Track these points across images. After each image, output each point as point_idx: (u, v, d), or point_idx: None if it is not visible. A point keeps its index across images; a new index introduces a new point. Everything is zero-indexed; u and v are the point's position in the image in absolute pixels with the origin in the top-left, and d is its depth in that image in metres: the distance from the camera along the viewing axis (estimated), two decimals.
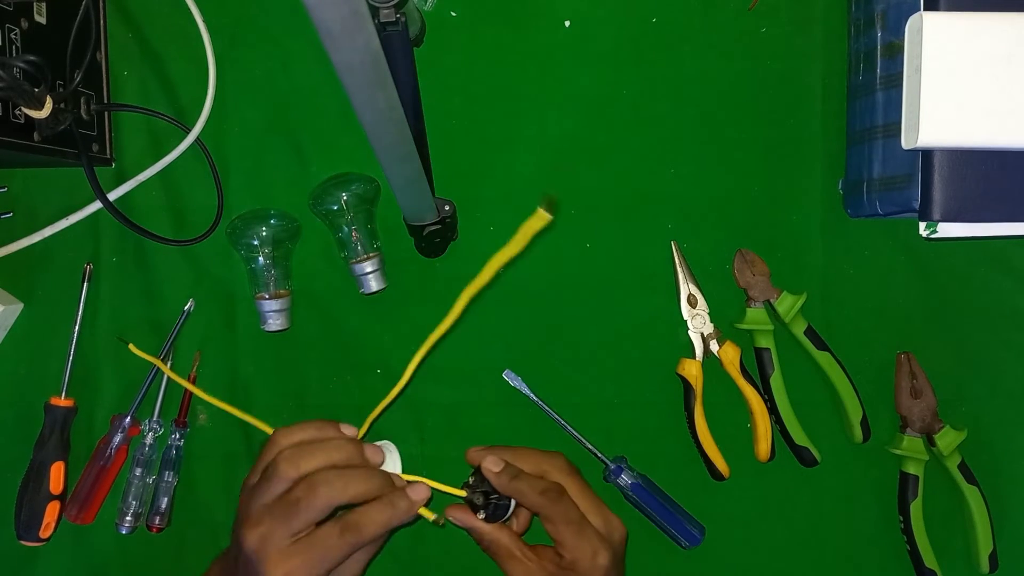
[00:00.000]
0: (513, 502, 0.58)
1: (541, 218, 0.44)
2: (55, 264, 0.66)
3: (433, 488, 0.56)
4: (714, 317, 0.66)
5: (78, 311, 0.65)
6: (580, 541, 0.56)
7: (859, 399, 0.66)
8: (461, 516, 0.58)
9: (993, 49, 0.54)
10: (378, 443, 0.57)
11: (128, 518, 0.65)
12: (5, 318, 0.64)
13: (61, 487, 0.64)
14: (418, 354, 0.55)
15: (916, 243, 0.66)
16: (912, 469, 0.66)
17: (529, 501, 0.57)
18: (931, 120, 0.54)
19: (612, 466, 0.65)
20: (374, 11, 0.48)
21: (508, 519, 0.59)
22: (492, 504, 0.58)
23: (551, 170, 0.67)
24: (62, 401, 0.64)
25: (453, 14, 0.66)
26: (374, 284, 0.64)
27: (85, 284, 0.65)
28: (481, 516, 0.58)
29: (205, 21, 0.65)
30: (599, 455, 0.66)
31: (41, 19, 0.57)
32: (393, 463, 0.57)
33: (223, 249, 0.66)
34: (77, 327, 0.65)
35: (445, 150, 0.64)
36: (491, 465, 0.58)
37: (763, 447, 0.66)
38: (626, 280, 0.67)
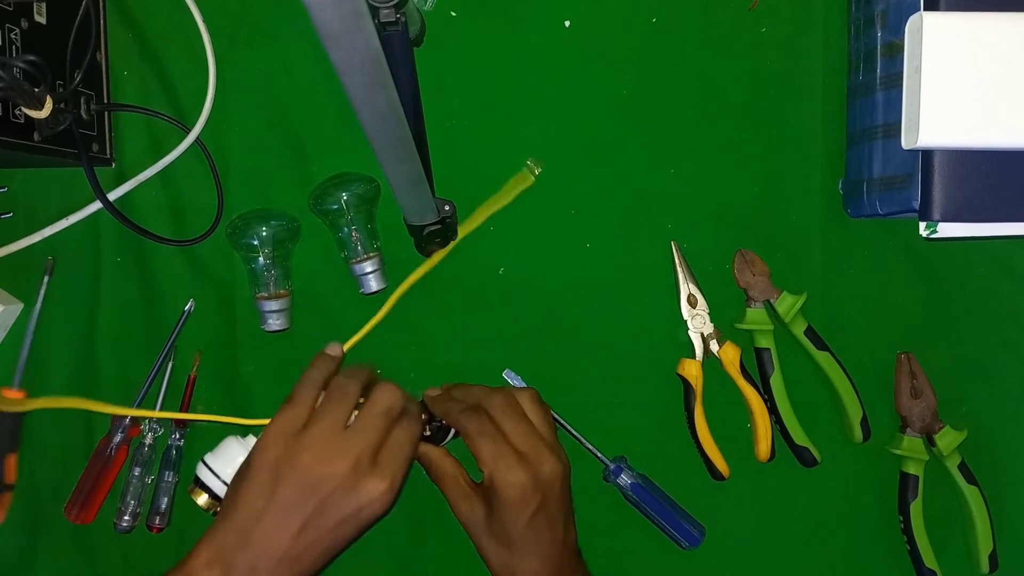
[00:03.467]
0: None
1: (525, 179, 0.58)
2: (55, 264, 0.66)
3: None
4: (714, 317, 0.66)
5: (37, 303, 0.65)
6: (495, 455, 0.56)
7: (859, 399, 0.66)
8: None
9: (993, 49, 0.54)
10: None
11: (127, 518, 0.64)
12: (5, 318, 0.64)
13: (13, 478, 0.65)
14: (403, 284, 0.63)
15: (916, 243, 0.66)
16: (912, 469, 0.66)
17: (452, 419, 0.59)
18: (931, 120, 0.54)
19: (612, 466, 0.65)
20: (374, 11, 0.48)
21: (447, 441, 0.62)
22: (434, 427, 0.61)
23: (551, 170, 0.67)
24: (13, 392, 0.64)
25: (453, 14, 0.66)
26: (374, 284, 0.65)
27: (46, 277, 0.65)
28: (426, 434, 0.61)
29: (205, 21, 0.65)
30: (599, 455, 0.66)
31: (41, 19, 0.57)
32: None
33: (223, 249, 0.66)
34: (35, 319, 0.65)
35: (445, 150, 0.64)
36: (431, 390, 0.63)
37: (763, 447, 0.66)
38: (626, 280, 0.67)
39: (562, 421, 0.66)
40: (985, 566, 0.66)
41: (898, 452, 0.66)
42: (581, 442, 0.66)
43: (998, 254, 0.67)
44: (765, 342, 0.66)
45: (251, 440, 0.59)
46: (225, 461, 0.60)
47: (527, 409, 0.60)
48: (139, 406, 0.65)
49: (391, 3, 0.48)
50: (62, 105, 0.56)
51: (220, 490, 0.59)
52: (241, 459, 0.57)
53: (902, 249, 0.67)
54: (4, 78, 0.49)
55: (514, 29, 0.66)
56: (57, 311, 0.66)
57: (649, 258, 0.67)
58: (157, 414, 0.65)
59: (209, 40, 0.65)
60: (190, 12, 0.65)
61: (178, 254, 0.66)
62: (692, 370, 0.66)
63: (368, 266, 0.64)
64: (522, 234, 0.67)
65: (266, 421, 0.56)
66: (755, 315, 0.66)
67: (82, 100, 0.62)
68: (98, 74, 0.64)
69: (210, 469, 0.60)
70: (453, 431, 0.62)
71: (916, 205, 0.57)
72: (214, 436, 0.67)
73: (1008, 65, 0.54)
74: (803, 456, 0.67)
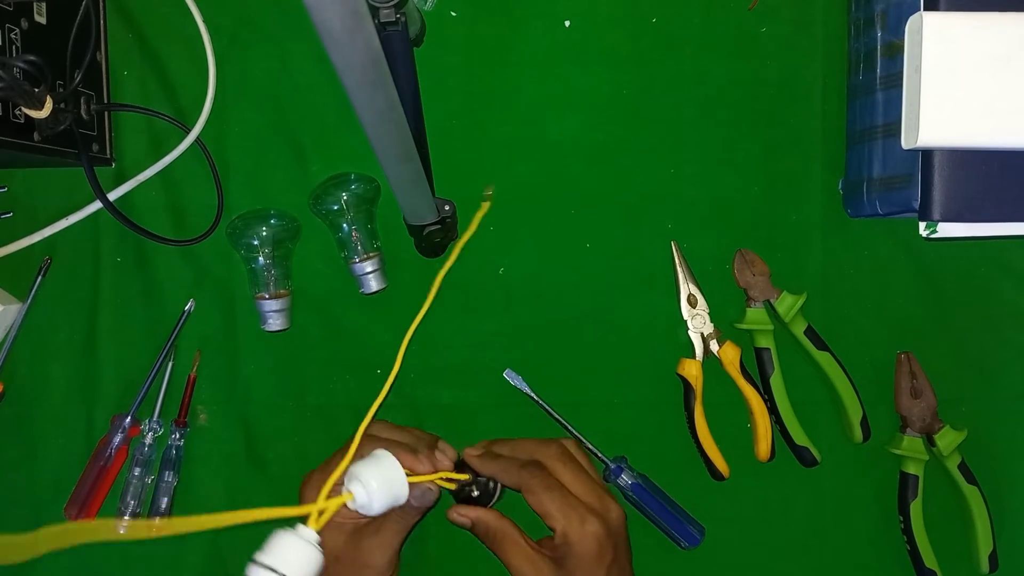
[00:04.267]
0: (500, 486, 0.59)
1: (484, 208, 0.64)
2: (55, 264, 0.66)
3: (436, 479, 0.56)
4: (714, 317, 0.66)
5: (27, 300, 0.65)
6: (565, 508, 0.55)
7: (859, 399, 0.66)
8: (456, 513, 0.58)
9: (993, 49, 0.54)
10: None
11: (127, 518, 0.64)
12: (5, 318, 0.64)
13: None
14: (404, 340, 0.58)
15: (916, 243, 0.66)
16: (912, 469, 0.66)
17: (509, 478, 0.57)
18: (931, 120, 0.54)
19: (612, 466, 0.65)
20: (374, 11, 0.48)
21: (495, 502, 0.60)
22: (481, 484, 0.59)
23: (551, 170, 0.67)
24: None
25: (453, 14, 0.66)
26: (374, 284, 0.65)
27: (39, 278, 0.65)
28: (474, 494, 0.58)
29: (205, 21, 0.65)
30: (599, 455, 0.66)
31: (41, 19, 0.57)
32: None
33: (223, 249, 0.66)
34: (23, 314, 0.65)
35: (445, 150, 0.64)
36: (471, 450, 0.60)
37: (763, 447, 0.66)
38: (626, 280, 0.67)
39: (562, 421, 0.66)
40: (985, 566, 0.66)
41: (898, 452, 0.66)
42: (581, 442, 0.66)
43: (998, 254, 0.67)
44: (765, 342, 0.66)
45: (303, 530, 0.49)
46: (281, 556, 0.49)
47: (579, 458, 0.59)
48: (139, 406, 0.65)
49: (391, 3, 0.48)
50: (62, 105, 0.56)
51: None
52: (301, 551, 0.48)
53: (902, 249, 0.67)
54: (4, 78, 0.49)
55: (514, 29, 0.66)
56: (57, 311, 0.66)
57: (649, 258, 0.67)
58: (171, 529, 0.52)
59: (209, 40, 0.65)
60: (190, 12, 0.65)
61: (178, 254, 0.66)
62: (692, 370, 0.66)
63: (368, 266, 0.64)
64: (522, 234, 0.67)
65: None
66: (755, 315, 0.66)
67: (82, 100, 0.62)
68: (98, 74, 0.64)
69: (269, 567, 0.48)
70: (500, 490, 0.60)
71: (916, 205, 0.57)
72: (214, 436, 0.67)
73: (1008, 65, 0.54)
74: (803, 456, 0.67)
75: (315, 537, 0.48)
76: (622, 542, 0.57)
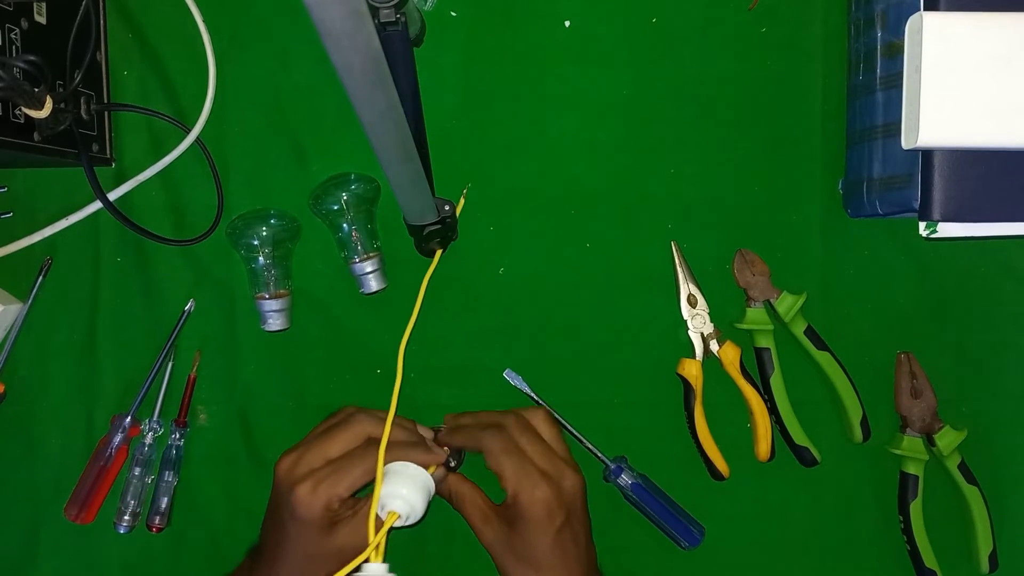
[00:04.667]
0: (462, 452, 0.63)
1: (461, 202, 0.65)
2: (55, 264, 0.66)
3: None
4: (714, 317, 0.66)
5: (28, 301, 0.65)
6: (519, 472, 0.56)
7: (859, 399, 0.66)
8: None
9: (993, 49, 0.54)
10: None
11: (126, 518, 0.64)
12: (5, 318, 0.64)
13: None
14: (401, 347, 0.61)
15: (916, 243, 0.66)
16: (912, 469, 0.66)
17: (470, 439, 0.60)
18: (931, 120, 0.54)
19: (612, 466, 0.65)
20: (374, 11, 0.48)
21: (457, 466, 0.63)
22: (453, 458, 0.61)
23: (551, 170, 0.67)
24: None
25: (453, 14, 0.66)
26: (374, 284, 0.65)
27: (40, 277, 0.65)
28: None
29: (205, 21, 0.65)
30: (599, 455, 0.66)
31: (41, 19, 0.57)
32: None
33: (223, 249, 0.66)
34: (23, 314, 0.65)
35: (445, 150, 0.64)
36: (443, 431, 0.63)
37: (763, 447, 0.66)
38: (626, 280, 0.67)
39: (562, 421, 0.66)
40: (985, 566, 0.66)
41: (898, 452, 0.66)
42: (581, 442, 0.66)
43: (998, 254, 0.67)
44: (765, 342, 0.66)
45: (371, 567, 0.52)
46: None
47: (540, 429, 0.61)
48: (139, 406, 0.65)
49: (391, 3, 0.48)
50: (62, 105, 0.56)
51: None
52: None
53: (902, 249, 0.67)
54: (4, 78, 0.49)
55: (514, 29, 0.66)
56: (57, 311, 0.66)
57: (649, 258, 0.67)
58: None
59: (209, 40, 0.65)
60: (190, 12, 0.65)
61: (178, 254, 0.66)
62: (692, 370, 0.66)
63: (368, 266, 0.64)
64: (522, 234, 0.67)
65: None
66: (755, 315, 0.66)
67: (82, 100, 0.62)
68: (98, 74, 0.64)
69: None
70: (461, 456, 0.63)
71: (916, 205, 0.57)
72: (214, 436, 0.67)
73: (1008, 65, 0.54)
74: (803, 456, 0.67)
75: (384, 568, 0.52)
76: (577, 509, 0.58)
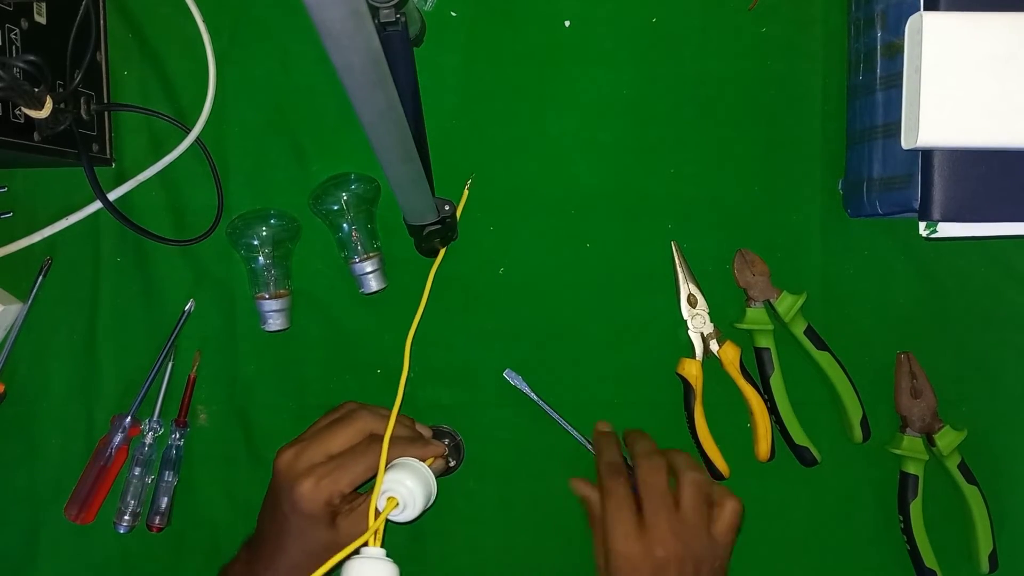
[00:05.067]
0: (461, 452, 0.66)
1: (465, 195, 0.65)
2: (55, 264, 0.66)
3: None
4: (714, 317, 0.66)
5: (28, 301, 0.65)
6: (710, 484, 0.60)
7: (859, 399, 0.66)
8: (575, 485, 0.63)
9: (993, 49, 0.54)
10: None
11: (126, 517, 0.65)
12: (5, 318, 0.64)
13: None
14: (407, 346, 0.62)
15: (916, 243, 0.66)
16: (912, 469, 0.66)
17: (644, 473, 0.60)
18: (931, 120, 0.54)
19: None
20: (374, 11, 0.48)
21: (459, 463, 0.65)
22: (451, 456, 0.64)
23: (551, 170, 0.67)
24: None
25: (453, 14, 0.66)
26: (374, 284, 0.65)
27: (40, 277, 0.65)
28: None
29: (205, 21, 0.65)
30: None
31: (41, 19, 0.57)
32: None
33: (223, 249, 0.66)
34: (23, 314, 0.65)
35: (445, 150, 0.64)
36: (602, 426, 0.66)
37: (763, 447, 0.66)
38: (626, 280, 0.67)
39: (562, 421, 0.66)
40: (985, 566, 0.66)
41: (898, 452, 0.66)
42: (581, 442, 0.66)
43: (998, 254, 0.67)
44: (765, 342, 0.66)
45: (369, 550, 0.52)
46: None
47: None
48: (139, 406, 0.65)
49: (391, 3, 0.48)
50: (62, 105, 0.56)
51: None
52: (378, 570, 0.52)
53: (902, 249, 0.67)
54: (4, 78, 0.49)
55: (514, 29, 0.66)
56: (57, 311, 0.66)
57: (649, 258, 0.67)
58: None
59: (209, 40, 0.65)
60: (190, 12, 0.65)
61: (178, 254, 0.66)
62: (692, 370, 0.66)
63: (368, 266, 0.64)
64: (522, 234, 0.67)
65: None
66: (755, 315, 0.66)
67: (82, 100, 0.62)
68: (98, 74, 0.64)
69: None
70: (461, 456, 0.66)
71: (916, 205, 0.57)
72: (214, 436, 0.67)
73: (1008, 65, 0.54)
74: (803, 456, 0.67)
75: (382, 552, 0.52)
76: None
